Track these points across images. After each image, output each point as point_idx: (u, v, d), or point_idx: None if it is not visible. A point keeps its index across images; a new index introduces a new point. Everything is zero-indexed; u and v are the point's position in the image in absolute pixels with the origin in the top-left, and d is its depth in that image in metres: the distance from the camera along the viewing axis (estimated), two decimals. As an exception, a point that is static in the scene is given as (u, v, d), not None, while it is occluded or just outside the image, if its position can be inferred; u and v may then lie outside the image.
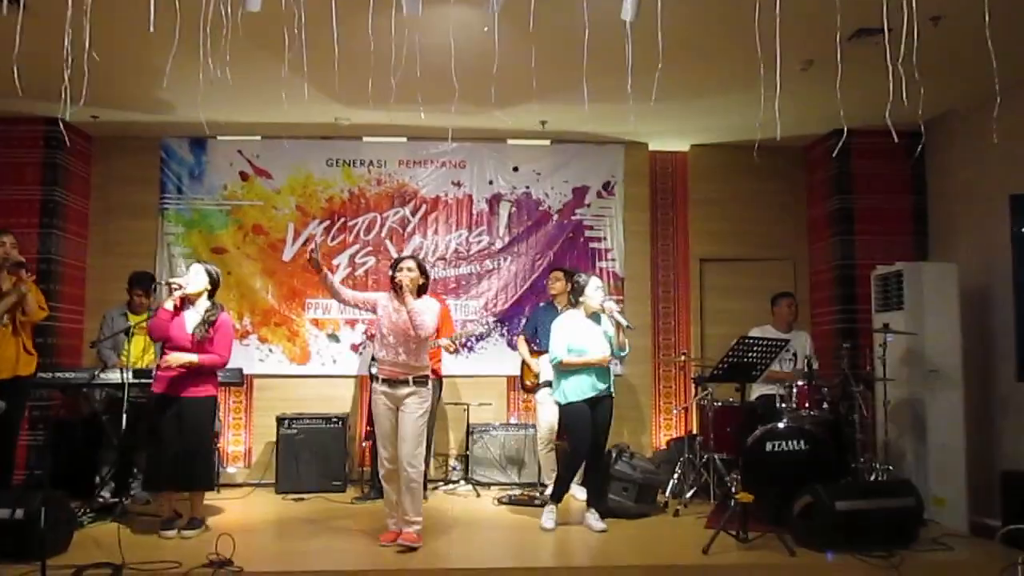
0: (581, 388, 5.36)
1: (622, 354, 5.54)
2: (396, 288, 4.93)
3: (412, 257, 5.12)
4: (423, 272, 5.01)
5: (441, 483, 7.04)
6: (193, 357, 5.00)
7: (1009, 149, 5.73)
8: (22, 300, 5.19)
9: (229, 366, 6.05)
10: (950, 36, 4.71)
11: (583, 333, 5.42)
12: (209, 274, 5.22)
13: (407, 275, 4.90)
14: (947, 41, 4.75)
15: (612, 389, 5.49)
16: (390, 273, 5.08)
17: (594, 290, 5.46)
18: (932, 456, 5.87)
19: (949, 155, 6.77)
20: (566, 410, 5.46)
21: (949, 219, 6.90)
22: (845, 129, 4.36)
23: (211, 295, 5.23)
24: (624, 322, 5.35)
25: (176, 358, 4.98)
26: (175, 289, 5.05)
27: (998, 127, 4.13)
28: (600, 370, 5.39)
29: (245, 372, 6.84)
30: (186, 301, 5.14)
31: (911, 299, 6.07)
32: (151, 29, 3.44)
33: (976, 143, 6.32)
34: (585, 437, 5.37)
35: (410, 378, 4.89)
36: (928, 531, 5.17)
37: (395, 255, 7.07)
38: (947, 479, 5.78)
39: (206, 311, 5.14)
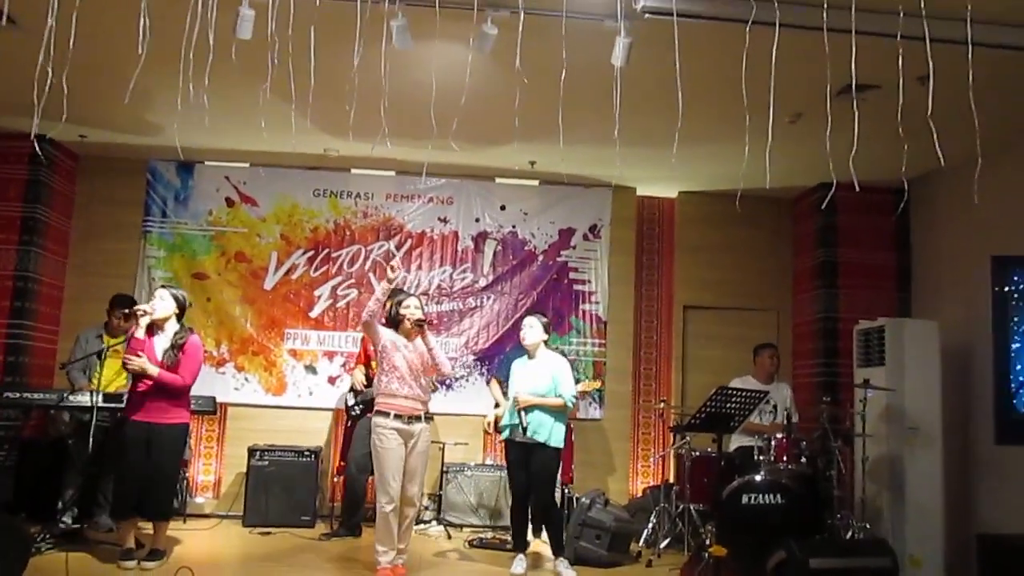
0: (506, 426, 5.41)
1: (569, 407, 5.44)
2: (402, 325, 4.97)
3: (413, 295, 5.28)
4: (422, 310, 5.11)
5: (413, 522, 6.90)
6: (154, 371, 4.87)
7: (991, 210, 5.76)
8: None
9: (202, 394, 6.00)
10: (936, 96, 4.74)
11: (516, 378, 5.47)
12: (176, 298, 5.14)
13: (415, 313, 4.97)
14: (934, 101, 4.79)
15: (549, 439, 5.22)
16: (390, 308, 5.05)
17: (521, 329, 5.56)
18: (909, 515, 5.80)
19: (933, 213, 6.81)
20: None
21: (933, 276, 6.92)
22: (835, 182, 4.36)
23: (179, 319, 5.16)
24: (510, 408, 5.34)
25: (139, 364, 4.84)
26: (141, 316, 4.97)
27: (979, 189, 4.13)
28: (533, 416, 5.23)
29: (219, 400, 6.74)
30: (155, 327, 5.05)
31: (892, 355, 6.06)
32: (140, 52, 3.42)
33: (960, 203, 6.35)
34: (512, 481, 5.40)
35: (422, 414, 4.94)
36: (903, 592, 5.11)
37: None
38: (924, 539, 5.72)
39: (175, 335, 5.07)
